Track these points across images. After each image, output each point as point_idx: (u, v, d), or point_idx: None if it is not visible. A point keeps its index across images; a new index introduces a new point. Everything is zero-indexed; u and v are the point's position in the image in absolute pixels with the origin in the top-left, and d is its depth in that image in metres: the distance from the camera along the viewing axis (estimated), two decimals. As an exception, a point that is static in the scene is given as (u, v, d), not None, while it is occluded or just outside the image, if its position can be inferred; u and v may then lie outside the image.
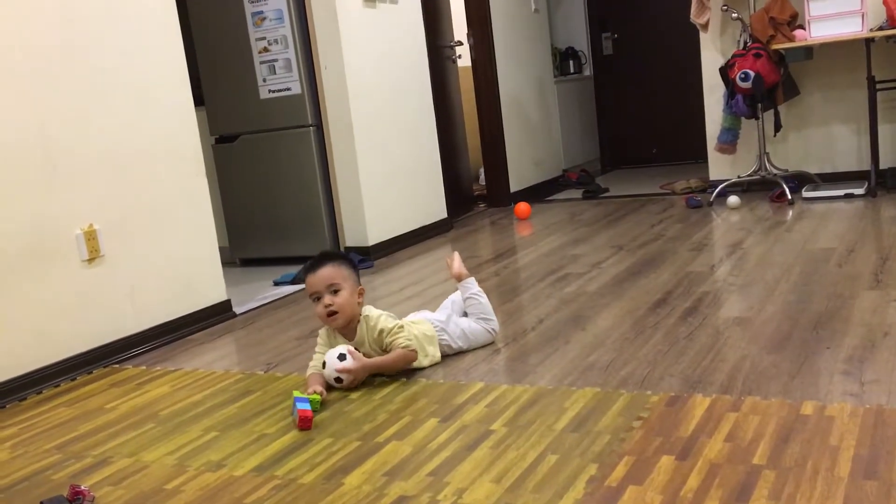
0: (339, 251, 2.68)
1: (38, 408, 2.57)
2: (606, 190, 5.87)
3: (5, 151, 2.68)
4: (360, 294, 2.42)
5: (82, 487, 1.80)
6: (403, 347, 2.38)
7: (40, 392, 2.72)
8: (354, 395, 2.30)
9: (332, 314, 2.36)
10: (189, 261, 3.32)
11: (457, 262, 2.70)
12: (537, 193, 5.99)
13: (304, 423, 2.08)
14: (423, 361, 2.46)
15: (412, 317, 2.60)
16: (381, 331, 2.39)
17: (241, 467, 1.91)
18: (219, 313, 3.43)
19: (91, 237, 2.92)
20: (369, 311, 2.44)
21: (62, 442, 2.24)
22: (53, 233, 2.81)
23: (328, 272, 2.38)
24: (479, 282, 3.49)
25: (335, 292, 2.36)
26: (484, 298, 2.65)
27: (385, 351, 2.40)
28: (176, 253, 3.26)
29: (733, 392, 2.00)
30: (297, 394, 2.20)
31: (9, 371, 2.65)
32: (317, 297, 2.39)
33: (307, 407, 2.12)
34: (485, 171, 5.93)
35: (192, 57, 3.59)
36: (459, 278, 2.67)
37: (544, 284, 3.37)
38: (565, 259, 3.81)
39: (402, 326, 2.42)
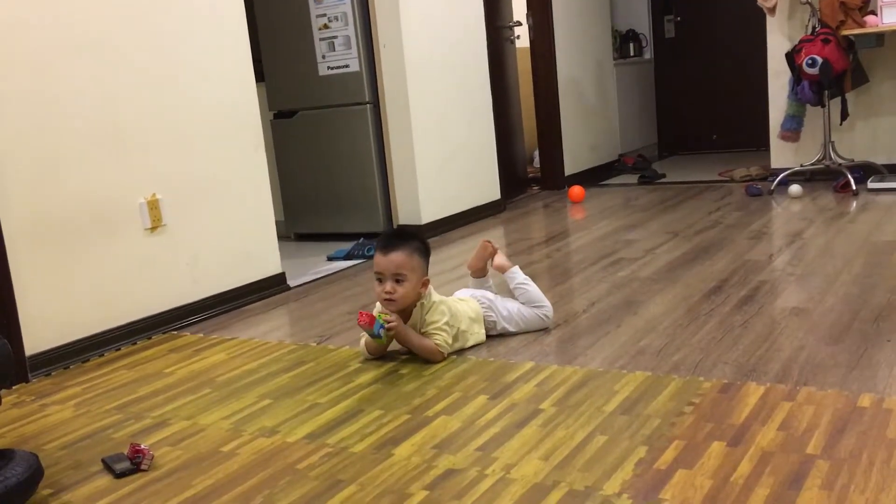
0: (416, 233, 2.57)
1: (100, 370, 2.66)
2: (663, 176, 5.79)
3: (77, 123, 2.76)
4: (424, 285, 2.38)
5: (142, 446, 1.87)
6: (437, 345, 2.35)
7: (102, 355, 2.81)
8: (405, 370, 2.33)
9: (389, 300, 2.34)
10: (246, 233, 3.39)
11: (499, 255, 2.65)
12: (592, 177, 5.94)
13: (364, 318, 2.29)
14: (468, 340, 2.46)
15: (460, 293, 2.60)
16: (426, 320, 2.38)
17: (294, 434, 1.96)
18: (274, 285, 3.49)
19: (154, 206, 3.00)
20: (428, 296, 2.39)
21: (122, 403, 2.32)
22: (118, 201, 2.89)
23: (399, 259, 2.31)
24: (532, 263, 3.50)
25: (399, 281, 2.32)
26: (532, 286, 2.59)
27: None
28: (234, 224, 3.33)
29: (788, 382, 1.97)
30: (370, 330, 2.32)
31: (72, 333, 2.75)
32: (380, 278, 2.36)
33: (377, 327, 2.29)
34: (540, 154, 5.89)
35: (253, 32, 3.64)
36: (503, 270, 2.62)
37: (597, 268, 3.35)
38: (619, 244, 3.77)
39: (445, 328, 2.37)
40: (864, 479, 1.49)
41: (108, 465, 1.87)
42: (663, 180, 5.68)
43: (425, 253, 2.40)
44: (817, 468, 1.54)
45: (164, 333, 3.01)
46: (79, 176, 2.77)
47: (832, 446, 1.62)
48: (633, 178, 5.83)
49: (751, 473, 1.54)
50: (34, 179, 2.65)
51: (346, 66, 4.37)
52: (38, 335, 2.65)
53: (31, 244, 2.63)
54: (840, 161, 4.69)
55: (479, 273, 2.67)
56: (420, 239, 2.44)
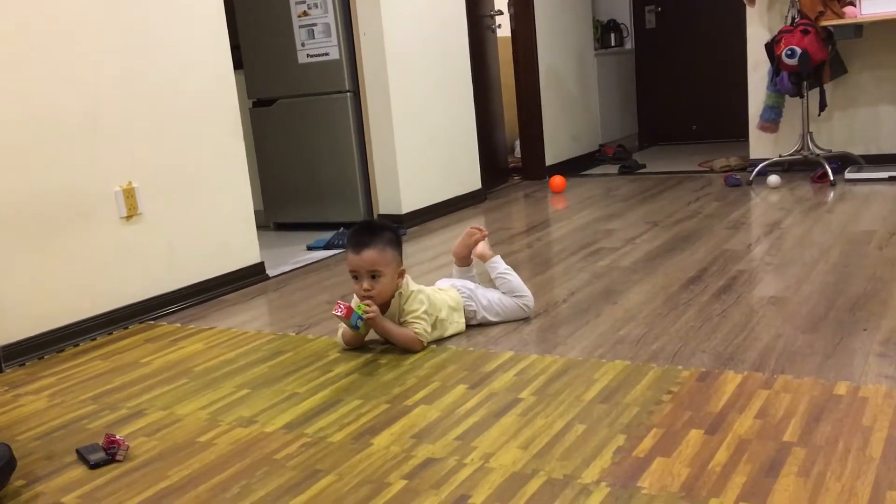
0: (385, 224, 2.53)
1: (75, 360, 2.63)
2: (643, 166, 5.81)
3: (50, 109, 2.71)
4: (401, 275, 2.36)
5: (117, 437, 1.84)
6: (416, 333, 2.34)
7: (77, 345, 2.77)
8: (384, 360, 2.32)
9: (368, 297, 2.32)
10: (224, 222, 3.36)
11: (481, 244, 2.62)
12: (573, 167, 5.94)
13: (341, 309, 2.28)
14: (447, 329, 2.45)
15: (440, 283, 2.59)
16: (404, 310, 2.36)
17: (272, 424, 1.94)
18: (252, 275, 3.46)
19: (129, 195, 2.96)
20: (406, 286, 2.38)
21: (98, 393, 2.29)
22: (93, 189, 2.85)
23: (372, 257, 2.29)
24: (512, 253, 3.50)
25: (375, 277, 2.31)
26: (513, 275, 2.58)
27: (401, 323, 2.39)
28: (212, 213, 3.30)
29: (766, 370, 1.98)
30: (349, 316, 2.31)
31: (47, 323, 2.71)
32: (355, 276, 2.34)
33: (354, 318, 2.30)
34: (520, 144, 5.89)
35: (231, 20, 3.60)
36: (484, 258, 2.60)
37: (577, 258, 3.35)
38: (599, 233, 3.78)
39: (423, 316, 2.35)
40: (840, 466, 1.50)
41: (82, 456, 1.84)
42: (643, 170, 5.69)
43: (397, 243, 2.38)
44: (794, 455, 1.55)
45: (140, 323, 2.98)
46: (54, 164, 2.73)
47: (808, 434, 1.63)
48: (614, 169, 5.84)
49: (728, 461, 1.55)
50: (8, 167, 2.60)
51: (326, 53, 4.33)
52: (12, 325, 2.61)
53: (4, 233, 2.59)
54: (818, 152, 4.72)
55: (464, 262, 2.65)
56: (390, 229, 2.41)
